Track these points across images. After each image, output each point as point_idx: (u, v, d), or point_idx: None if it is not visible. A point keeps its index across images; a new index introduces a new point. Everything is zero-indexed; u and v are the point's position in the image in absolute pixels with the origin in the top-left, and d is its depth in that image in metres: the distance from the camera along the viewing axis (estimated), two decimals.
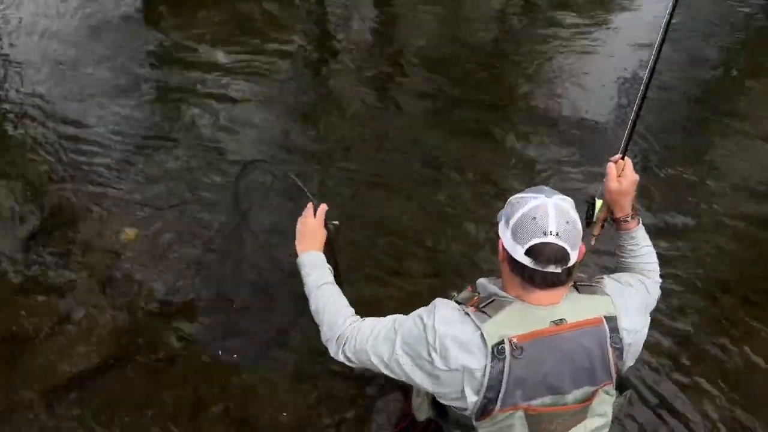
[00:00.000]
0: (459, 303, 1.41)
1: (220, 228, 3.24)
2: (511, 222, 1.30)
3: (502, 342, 1.28)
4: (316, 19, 5.35)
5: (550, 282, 1.29)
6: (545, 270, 1.26)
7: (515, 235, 1.29)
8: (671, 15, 1.53)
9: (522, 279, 1.30)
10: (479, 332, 1.29)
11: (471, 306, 1.35)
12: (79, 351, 2.65)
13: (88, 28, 5.05)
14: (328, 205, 1.69)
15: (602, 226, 1.63)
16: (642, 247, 1.59)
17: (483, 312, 1.32)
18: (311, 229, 1.66)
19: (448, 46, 4.94)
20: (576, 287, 1.38)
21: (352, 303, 1.54)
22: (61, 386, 2.51)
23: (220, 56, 4.69)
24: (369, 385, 2.48)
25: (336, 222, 1.67)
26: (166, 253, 3.11)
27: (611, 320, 1.34)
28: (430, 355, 1.31)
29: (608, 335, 1.33)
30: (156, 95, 4.32)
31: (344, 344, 1.45)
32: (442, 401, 1.39)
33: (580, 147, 3.80)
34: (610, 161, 1.57)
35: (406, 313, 1.42)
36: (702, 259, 3.07)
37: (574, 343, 1.31)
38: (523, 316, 1.32)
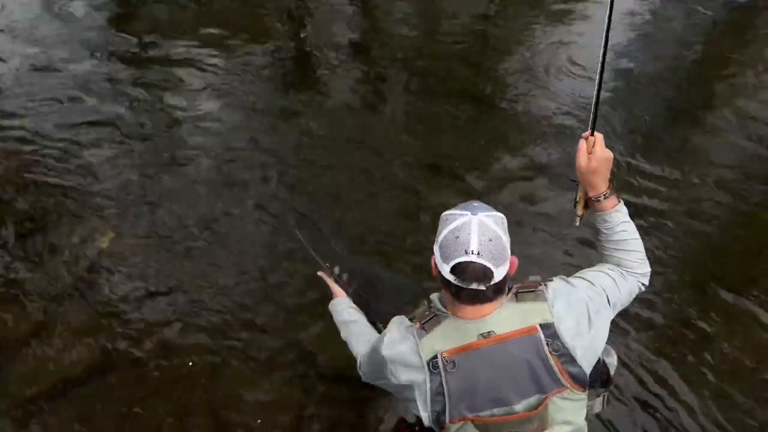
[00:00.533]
0: (413, 319, 1.52)
1: (199, 227, 3.20)
2: (439, 239, 1.34)
3: (435, 357, 1.35)
4: (293, 14, 5.27)
5: (476, 298, 1.33)
6: (469, 287, 1.29)
7: (441, 253, 1.32)
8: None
9: (450, 294, 1.35)
10: (417, 348, 1.38)
11: (418, 322, 1.44)
12: (58, 360, 2.59)
13: (57, 29, 4.93)
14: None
15: (585, 206, 1.57)
16: (618, 232, 1.50)
17: (423, 328, 1.40)
18: (333, 290, 1.94)
19: (428, 40, 4.90)
20: (516, 294, 1.39)
21: None
22: (40, 396, 2.46)
23: (196, 53, 4.60)
24: (363, 388, 2.45)
25: (344, 275, 2.01)
26: (144, 256, 3.06)
27: (548, 327, 1.34)
28: (387, 376, 1.44)
29: (544, 342, 1.32)
30: (129, 93, 4.22)
31: (359, 369, 1.65)
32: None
33: (568, 136, 3.79)
34: (582, 137, 1.51)
35: None
36: (683, 248, 3.08)
37: (506, 354, 1.33)
38: (454, 331, 1.37)
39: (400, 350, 1.42)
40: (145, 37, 4.78)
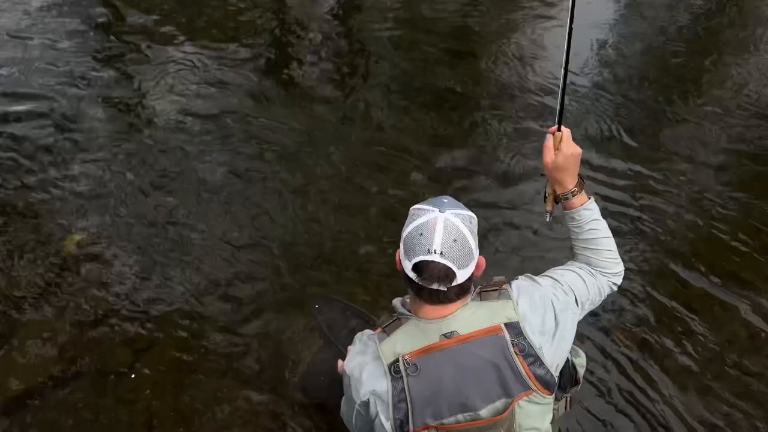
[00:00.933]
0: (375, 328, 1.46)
1: (171, 228, 3.12)
2: (404, 233, 1.29)
3: (397, 360, 1.28)
4: (273, 7, 5.16)
5: (437, 299, 1.28)
6: (430, 287, 1.24)
7: (405, 248, 1.28)
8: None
9: (412, 292, 1.30)
10: (378, 353, 1.32)
11: (379, 328, 1.38)
12: (24, 368, 2.50)
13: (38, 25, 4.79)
14: None
15: (555, 201, 1.51)
16: (587, 230, 1.45)
17: (384, 332, 1.35)
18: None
19: (410, 30, 4.80)
20: (480, 294, 1.34)
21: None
22: (3, 406, 2.38)
23: (172, 49, 4.50)
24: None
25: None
26: (114, 260, 2.97)
27: (513, 326, 1.28)
28: (354, 398, 1.35)
29: (509, 342, 1.27)
30: (105, 88, 4.12)
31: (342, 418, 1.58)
32: None
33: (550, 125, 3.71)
34: (548, 132, 1.45)
35: None
36: (663, 235, 3.04)
37: (470, 355, 1.27)
38: (416, 332, 1.31)
39: (360, 360, 1.36)
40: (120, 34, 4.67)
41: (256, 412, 2.37)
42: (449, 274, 1.23)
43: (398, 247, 1.32)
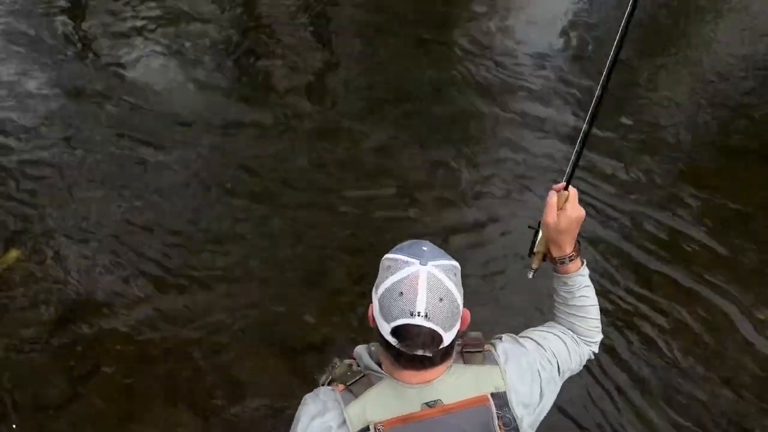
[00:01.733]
0: (331, 382, 1.24)
1: (115, 241, 2.91)
2: (380, 291, 1.11)
3: (367, 429, 1.12)
4: None
5: (419, 364, 1.12)
6: (413, 353, 1.08)
7: (382, 310, 1.10)
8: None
9: (390, 356, 1.13)
10: (343, 418, 1.13)
11: (341, 384, 1.19)
12: None
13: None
14: None
15: (543, 259, 1.40)
16: (577, 297, 1.36)
17: (350, 391, 1.16)
18: None
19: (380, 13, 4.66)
20: (463, 355, 1.20)
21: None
22: None
23: (141, 41, 4.22)
24: None
25: None
26: (52, 277, 2.74)
27: (499, 396, 1.16)
28: None
29: (494, 415, 1.14)
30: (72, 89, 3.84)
31: None
32: None
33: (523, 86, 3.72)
34: (553, 189, 1.31)
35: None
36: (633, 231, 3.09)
37: (453, 427, 1.14)
38: (393, 397, 1.15)
39: (321, 426, 1.15)
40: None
41: None
42: (435, 338, 1.07)
43: (367, 290, 1.17)
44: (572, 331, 1.37)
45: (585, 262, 1.36)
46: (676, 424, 2.36)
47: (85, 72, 3.99)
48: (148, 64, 4.11)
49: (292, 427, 1.21)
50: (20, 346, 2.47)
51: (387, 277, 1.10)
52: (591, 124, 1.28)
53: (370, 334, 1.13)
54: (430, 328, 1.06)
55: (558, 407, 2.30)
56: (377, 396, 1.15)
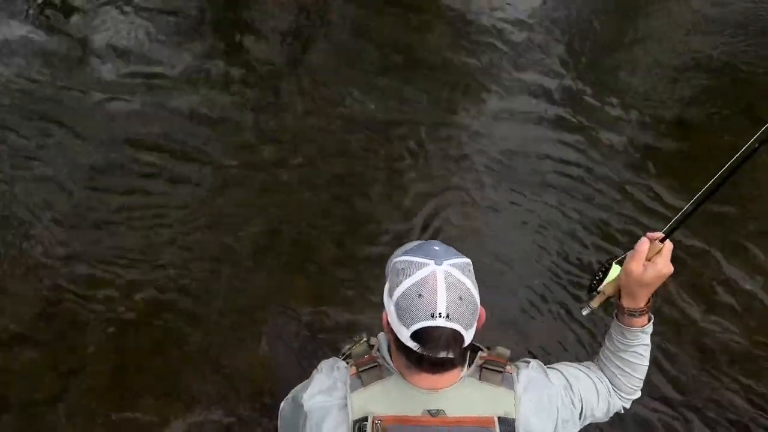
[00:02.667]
0: (349, 357, 1.26)
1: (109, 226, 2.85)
2: (395, 295, 1.07)
3: (365, 419, 1.11)
4: None
5: (441, 367, 1.09)
6: (436, 356, 1.05)
7: (400, 314, 1.06)
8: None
9: (407, 360, 1.10)
10: (345, 402, 1.14)
11: (354, 367, 1.19)
12: None
13: None
14: None
15: (605, 301, 1.30)
16: (632, 353, 1.26)
17: (359, 377, 1.16)
18: None
19: None
20: (482, 368, 1.16)
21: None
22: None
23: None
24: None
25: None
26: (34, 271, 2.69)
27: (507, 423, 1.11)
28: None
29: None
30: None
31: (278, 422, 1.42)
32: None
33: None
34: (647, 237, 1.20)
35: None
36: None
37: None
38: (398, 396, 1.13)
39: (324, 402, 1.17)
40: None
41: None
42: (458, 338, 1.04)
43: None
44: (611, 381, 1.29)
45: (652, 319, 1.26)
46: None
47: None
48: None
49: (304, 383, 1.26)
50: (6, 343, 2.44)
51: (402, 280, 1.07)
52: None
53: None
54: (452, 329, 1.03)
55: None
56: (383, 390, 1.14)
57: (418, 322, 1.03)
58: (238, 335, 2.50)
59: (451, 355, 1.05)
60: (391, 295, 1.08)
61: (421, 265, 1.07)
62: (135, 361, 2.42)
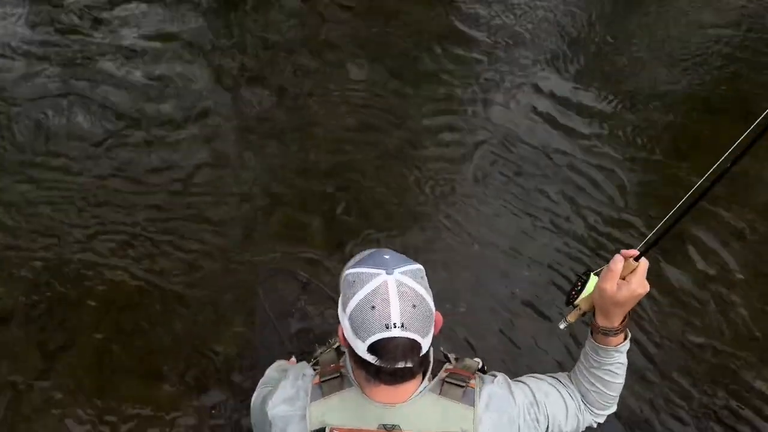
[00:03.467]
0: (317, 366, 1.28)
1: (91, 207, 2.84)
2: (348, 309, 1.05)
3: (323, 430, 1.13)
4: None
5: (400, 377, 1.08)
6: (394, 367, 1.04)
7: (354, 328, 1.05)
8: None
9: (366, 373, 1.09)
10: (304, 412, 1.16)
11: (318, 375, 1.20)
12: None
13: None
14: None
15: (582, 315, 1.26)
16: (606, 371, 1.23)
17: (320, 387, 1.17)
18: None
19: None
20: (443, 382, 1.15)
21: None
22: None
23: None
24: None
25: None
26: (22, 246, 2.69)
27: None
28: None
29: None
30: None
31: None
32: None
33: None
34: (620, 254, 1.15)
35: None
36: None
37: None
38: (354, 408, 1.14)
39: (286, 412, 1.19)
40: None
41: (185, 416, 2.26)
42: (414, 347, 1.03)
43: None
44: (584, 396, 1.27)
45: (629, 336, 1.23)
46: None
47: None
48: None
49: (272, 388, 1.28)
50: None
51: (354, 293, 1.05)
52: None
53: None
54: (408, 338, 1.02)
55: None
56: (341, 402, 1.15)
57: (373, 334, 1.02)
58: (224, 318, 2.51)
59: (409, 365, 1.04)
60: (344, 309, 1.07)
61: (371, 276, 1.05)
62: (119, 342, 2.43)
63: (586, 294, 1.22)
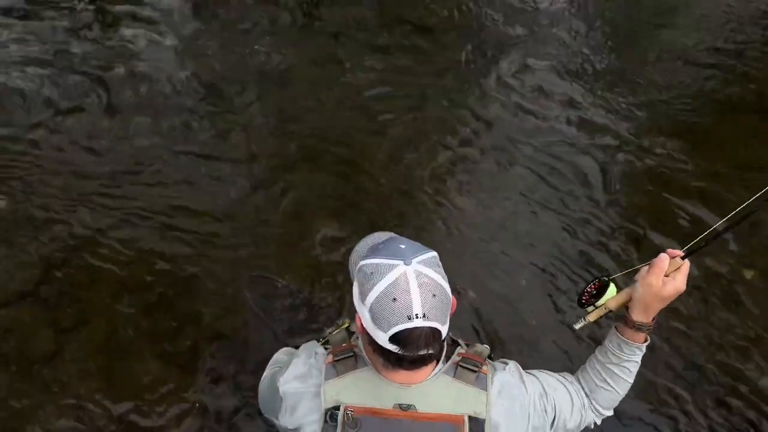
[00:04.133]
0: (327, 345, 1.31)
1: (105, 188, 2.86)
2: (368, 301, 1.07)
3: (337, 408, 1.15)
4: None
5: (420, 363, 1.11)
6: (416, 355, 1.06)
7: (375, 319, 1.06)
8: None
9: (385, 360, 1.12)
10: (319, 390, 1.18)
11: (331, 355, 1.22)
12: None
13: None
14: None
15: (605, 315, 1.31)
16: (621, 368, 1.27)
17: (334, 366, 1.19)
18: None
19: None
20: (457, 366, 1.17)
21: None
22: None
23: None
24: None
25: None
26: (36, 227, 2.71)
27: (477, 423, 1.13)
28: (278, 415, 1.25)
29: None
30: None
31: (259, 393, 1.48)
32: None
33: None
34: (666, 253, 1.21)
35: None
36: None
37: None
38: (370, 388, 1.16)
39: (298, 389, 1.22)
40: None
41: (190, 398, 2.29)
42: (436, 335, 1.06)
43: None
44: (592, 393, 1.31)
45: (648, 341, 1.28)
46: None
47: None
48: None
49: (280, 369, 1.29)
50: (6, 299, 2.48)
51: (374, 285, 1.06)
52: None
53: None
54: (429, 327, 1.04)
55: None
56: (356, 381, 1.17)
57: (396, 325, 1.03)
58: (231, 304, 2.53)
59: (431, 351, 1.07)
60: (363, 301, 1.08)
61: (390, 267, 1.06)
62: (130, 323, 2.46)
63: (608, 297, 1.28)
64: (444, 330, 1.08)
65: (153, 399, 2.27)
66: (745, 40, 3.91)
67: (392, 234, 1.26)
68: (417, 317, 1.03)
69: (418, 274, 1.05)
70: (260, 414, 1.64)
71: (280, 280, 2.51)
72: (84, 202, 2.83)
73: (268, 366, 1.52)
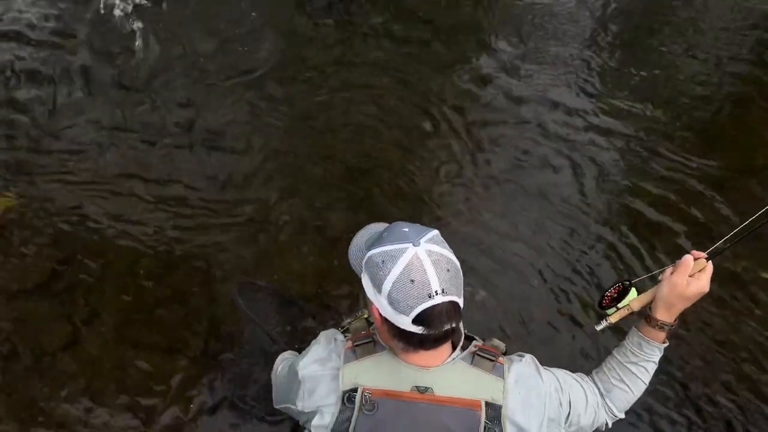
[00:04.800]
0: (347, 331, 1.34)
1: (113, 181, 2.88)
2: (385, 288, 1.09)
3: (355, 390, 1.16)
4: None
5: (443, 339, 1.14)
6: (440, 331, 1.09)
7: (395, 304, 1.08)
8: None
9: (406, 344, 1.13)
10: (338, 373, 1.19)
11: (351, 341, 1.25)
12: None
13: None
14: None
15: (627, 315, 1.34)
16: (638, 366, 1.29)
17: (354, 351, 1.21)
18: None
19: None
20: (474, 355, 1.19)
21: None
22: None
23: None
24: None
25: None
26: (48, 221, 2.73)
27: (494, 408, 1.14)
28: (295, 400, 1.26)
29: (482, 423, 1.13)
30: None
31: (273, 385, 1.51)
32: None
33: None
34: (691, 254, 1.25)
35: None
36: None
37: (436, 420, 1.13)
38: (388, 370, 1.17)
39: (317, 372, 1.23)
40: None
41: (206, 391, 2.30)
42: (456, 308, 1.10)
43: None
44: (607, 391, 1.32)
45: (667, 343, 1.31)
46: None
47: None
48: None
49: (299, 356, 1.31)
50: (20, 293, 2.49)
51: (387, 272, 1.08)
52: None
53: None
54: (449, 301, 1.08)
55: None
56: (375, 364, 1.18)
57: (418, 306, 1.05)
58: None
59: (454, 325, 1.10)
60: (379, 290, 1.09)
61: (400, 252, 1.08)
62: (142, 315, 2.47)
63: (629, 301, 1.31)
64: (461, 302, 1.11)
65: (162, 391, 2.27)
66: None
67: (385, 223, 1.27)
68: (437, 294, 1.06)
69: (429, 253, 1.08)
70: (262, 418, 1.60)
71: (266, 284, 2.51)
72: (94, 196, 2.85)
73: (276, 362, 1.53)
